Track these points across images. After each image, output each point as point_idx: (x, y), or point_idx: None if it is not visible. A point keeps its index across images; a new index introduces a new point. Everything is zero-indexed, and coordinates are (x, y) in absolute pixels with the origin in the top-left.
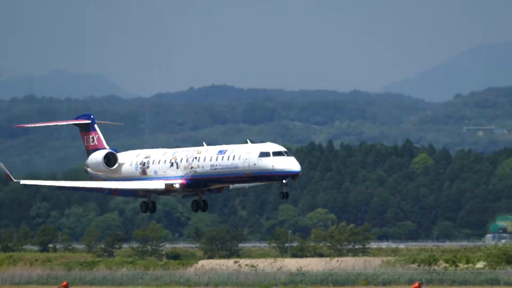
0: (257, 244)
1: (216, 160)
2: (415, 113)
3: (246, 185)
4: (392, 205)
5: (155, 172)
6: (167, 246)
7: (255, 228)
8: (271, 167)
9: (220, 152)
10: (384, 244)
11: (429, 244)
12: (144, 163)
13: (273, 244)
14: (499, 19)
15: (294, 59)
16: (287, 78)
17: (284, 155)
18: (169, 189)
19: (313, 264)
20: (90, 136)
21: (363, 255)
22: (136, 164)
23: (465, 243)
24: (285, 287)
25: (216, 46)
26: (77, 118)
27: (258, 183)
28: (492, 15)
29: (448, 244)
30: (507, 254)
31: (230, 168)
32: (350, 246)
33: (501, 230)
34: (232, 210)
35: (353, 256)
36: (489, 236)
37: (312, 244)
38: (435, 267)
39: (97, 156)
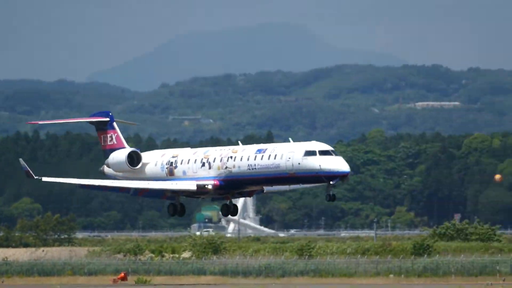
0: None
1: (255, 159)
2: (121, 102)
3: (286, 187)
4: (97, 195)
5: (184, 172)
6: None
7: None
8: (318, 167)
9: (259, 151)
10: (90, 234)
11: (135, 234)
12: (172, 162)
13: None
14: (207, 7)
15: None
16: None
17: (331, 154)
18: (200, 190)
19: (18, 254)
20: (108, 135)
21: (69, 245)
22: (162, 164)
23: (171, 233)
24: None
25: None
26: (93, 116)
27: (301, 185)
28: (198, 2)
29: (154, 234)
30: (212, 243)
31: (271, 168)
32: (56, 236)
33: (206, 220)
34: None
35: (59, 246)
36: (195, 226)
37: (17, 234)
38: (141, 257)
39: (119, 155)
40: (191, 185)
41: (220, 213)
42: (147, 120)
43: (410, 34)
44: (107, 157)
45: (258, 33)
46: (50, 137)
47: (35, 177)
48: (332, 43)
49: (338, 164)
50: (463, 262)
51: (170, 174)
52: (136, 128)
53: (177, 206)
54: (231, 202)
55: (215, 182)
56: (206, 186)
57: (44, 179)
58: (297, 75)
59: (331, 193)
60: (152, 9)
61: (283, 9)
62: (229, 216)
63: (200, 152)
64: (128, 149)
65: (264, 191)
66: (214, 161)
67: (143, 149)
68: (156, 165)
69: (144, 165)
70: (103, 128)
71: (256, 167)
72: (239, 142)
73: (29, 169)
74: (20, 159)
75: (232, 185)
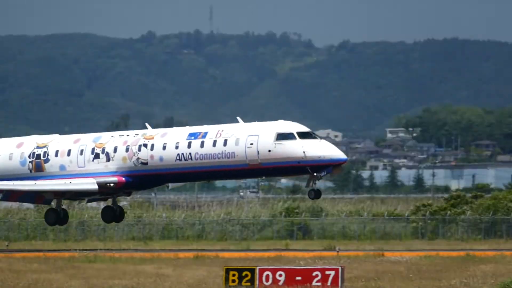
0: None
1: (189, 147)
2: None
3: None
4: None
5: (62, 167)
6: None
7: None
8: (301, 155)
9: (193, 135)
10: None
11: None
12: (39, 155)
13: None
14: None
15: None
16: None
17: (316, 137)
18: (102, 190)
19: None
20: None
21: None
22: (23, 156)
23: None
24: None
25: None
26: None
27: (262, 178)
28: None
29: None
30: None
31: (220, 159)
32: None
33: None
34: None
35: None
36: None
37: None
38: None
39: None
40: (90, 184)
41: (102, 219)
42: None
43: None
44: None
45: None
46: None
47: None
48: None
49: (331, 150)
50: None
51: (37, 170)
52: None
53: (59, 213)
54: (116, 203)
55: (120, 179)
56: (108, 184)
57: None
58: None
59: (315, 188)
60: None
61: None
62: (113, 222)
63: (87, 140)
64: None
65: (169, 188)
66: (115, 151)
67: None
68: (11, 158)
69: None
70: None
71: (193, 157)
72: (147, 125)
73: None
74: None
75: (145, 182)
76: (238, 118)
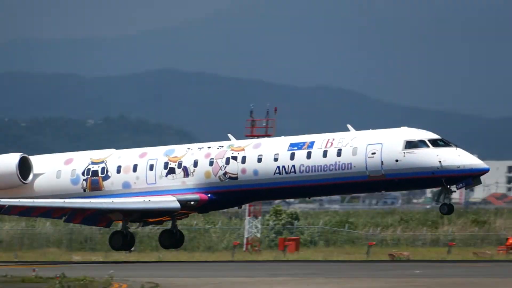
0: None
1: (292, 159)
2: None
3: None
4: None
5: (126, 184)
6: None
7: None
8: (437, 165)
9: (296, 146)
10: None
11: None
12: (96, 172)
13: None
14: None
15: None
16: None
17: (450, 144)
18: (183, 209)
19: None
20: None
21: None
22: (74, 174)
23: None
24: None
25: None
26: None
27: (383, 192)
28: None
29: None
30: None
31: (334, 171)
32: None
33: None
34: None
35: None
36: None
37: None
38: None
39: (3, 162)
40: (172, 202)
41: (160, 244)
42: None
43: None
44: None
45: None
46: None
47: None
48: None
49: (470, 159)
50: None
51: (94, 188)
52: None
53: (126, 235)
54: (175, 226)
55: (202, 196)
56: (189, 202)
57: None
58: None
59: (448, 202)
60: None
61: None
62: (171, 249)
63: (156, 154)
64: (15, 154)
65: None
66: (195, 165)
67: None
68: (59, 176)
69: (36, 176)
70: None
71: (297, 170)
72: (230, 136)
73: None
74: None
75: (231, 199)
76: (348, 126)
